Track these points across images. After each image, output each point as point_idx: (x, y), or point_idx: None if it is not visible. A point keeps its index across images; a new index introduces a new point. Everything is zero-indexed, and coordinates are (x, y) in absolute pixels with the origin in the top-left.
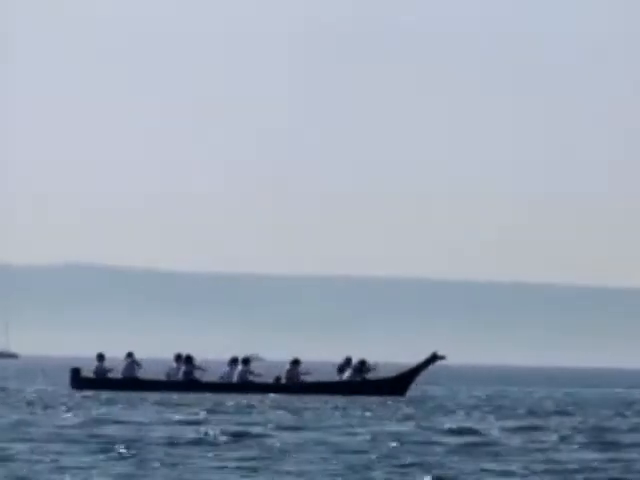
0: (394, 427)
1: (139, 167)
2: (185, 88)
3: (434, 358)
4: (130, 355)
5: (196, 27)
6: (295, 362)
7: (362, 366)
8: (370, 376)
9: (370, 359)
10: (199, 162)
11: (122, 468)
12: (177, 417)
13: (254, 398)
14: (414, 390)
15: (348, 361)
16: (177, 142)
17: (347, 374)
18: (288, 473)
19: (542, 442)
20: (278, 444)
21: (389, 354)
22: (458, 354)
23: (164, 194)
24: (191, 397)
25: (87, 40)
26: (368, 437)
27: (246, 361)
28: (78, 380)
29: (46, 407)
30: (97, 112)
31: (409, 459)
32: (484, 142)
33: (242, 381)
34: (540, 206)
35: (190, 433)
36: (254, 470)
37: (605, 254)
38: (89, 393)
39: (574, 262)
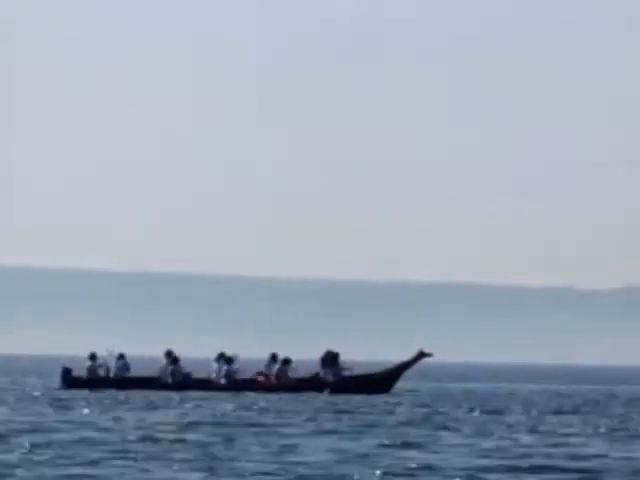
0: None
1: (138, 169)
2: (185, 89)
3: (421, 355)
4: (122, 357)
5: (195, 29)
6: (285, 361)
7: (335, 358)
8: (346, 374)
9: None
10: (201, 163)
11: None
12: None
13: (244, 396)
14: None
15: (329, 354)
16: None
17: (330, 371)
18: None
19: None
20: None
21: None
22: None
23: (148, 195)
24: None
25: (86, 41)
26: None
27: (229, 360)
28: (69, 379)
29: None
30: (90, 113)
31: None
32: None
33: (229, 380)
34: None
35: None
36: None
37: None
38: (81, 392)
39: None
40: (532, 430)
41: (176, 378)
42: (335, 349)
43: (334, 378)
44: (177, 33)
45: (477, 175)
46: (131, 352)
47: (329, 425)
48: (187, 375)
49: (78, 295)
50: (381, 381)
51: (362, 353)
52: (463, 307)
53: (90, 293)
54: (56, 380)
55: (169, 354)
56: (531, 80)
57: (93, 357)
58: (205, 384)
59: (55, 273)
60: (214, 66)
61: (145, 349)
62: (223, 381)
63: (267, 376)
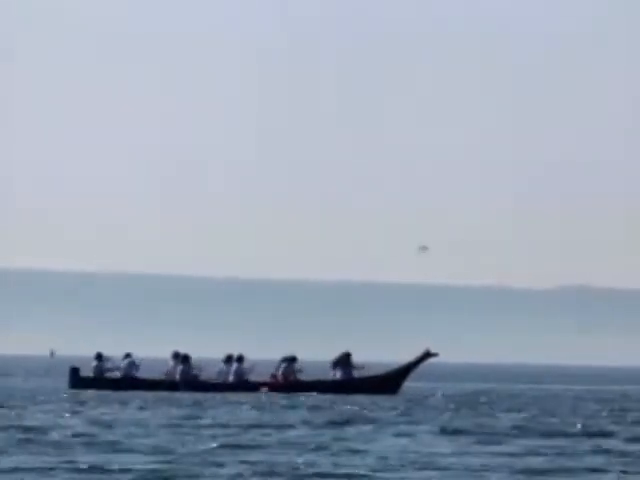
0: None
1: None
2: (185, 89)
3: (426, 355)
4: (128, 355)
5: (194, 28)
6: (292, 360)
7: (347, 358)
8: (359, 374)
9: (364, 359)
10: (200, 162)
11: None
12: None
13: (250, 396)
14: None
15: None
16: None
17: (339, 372)
18: None
19: None
20: None
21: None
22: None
23: (152, 197)
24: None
25: (86, 41)
26: None
27: (240, 359)
28: (77, 379)
29: None
30: (90, 115)
31: None
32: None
33: (238, 379)
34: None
35: None
36: None
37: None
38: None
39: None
40: None
41: (184, 379)
42: (335, 350)
43: (342, 378)
44: (177, 33)
45: (477, 176)
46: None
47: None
48: (196, 376)
49: (79, 297)
50: (388, 381)
51: (365, 354)
52: (395, 306)
53: (91, 294)
54: (62, 380)
55: (176, 355)
56: (531, 81)
57: (99, 357)
58: (214, 385)
59: (57, 275)
60: (214, 66)
61: (145, 351)
62: (232, 380)
63: (274, 376)
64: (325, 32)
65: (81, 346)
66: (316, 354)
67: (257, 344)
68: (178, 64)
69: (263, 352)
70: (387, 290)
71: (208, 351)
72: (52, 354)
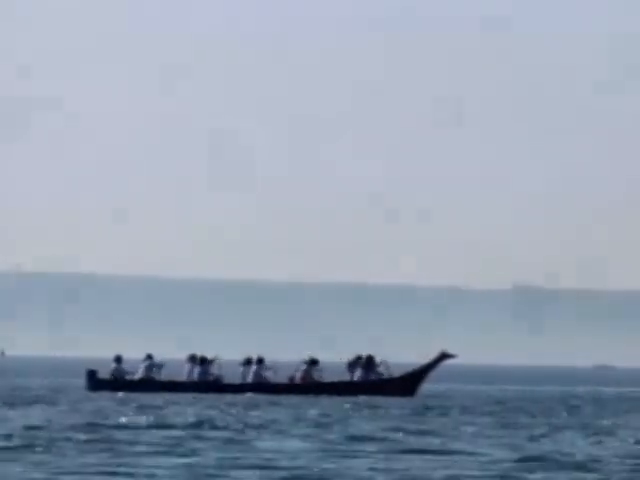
0: None
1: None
2: (183, 87)
3: (443, 357)
4: (150, 357)
5: (193, 28)
6: (312, 362)
7: (370, 362)
8: (381, 370)
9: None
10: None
11: None
12: None
13: (268, 398)
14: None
15: (358, 359)
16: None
17: (358, 373)
18: None
19: None
20: None
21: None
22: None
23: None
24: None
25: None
26: None
27: (260, 361)
28: (94, 381)
29: None
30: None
31: None
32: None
33: (256, 381)
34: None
35: None
36: None
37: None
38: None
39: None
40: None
41: (203, 381)
42: (335, 351)
43: (362, 379)
44: (177, 33)
45: (478, 176)
46: (139, 355)
47: None
48: (217, 378)
49: (84, 298)
50: (406, 383)
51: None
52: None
53: (96, 296)
54: (78, 382)
55: (193, 358)
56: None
57: (118, 360)
58: (231, 387)
59: (64, 277)
60: (215, 66)
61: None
62: (250, 381)
63: (292, 378)
64: (325, 32)
65: (33, 346)
66: (316, 355)
67: (257, 345)
68: (178, 64)
69: (263, 353)
70: (383, 291)
71: (207, 352)
72: (2, 353)
